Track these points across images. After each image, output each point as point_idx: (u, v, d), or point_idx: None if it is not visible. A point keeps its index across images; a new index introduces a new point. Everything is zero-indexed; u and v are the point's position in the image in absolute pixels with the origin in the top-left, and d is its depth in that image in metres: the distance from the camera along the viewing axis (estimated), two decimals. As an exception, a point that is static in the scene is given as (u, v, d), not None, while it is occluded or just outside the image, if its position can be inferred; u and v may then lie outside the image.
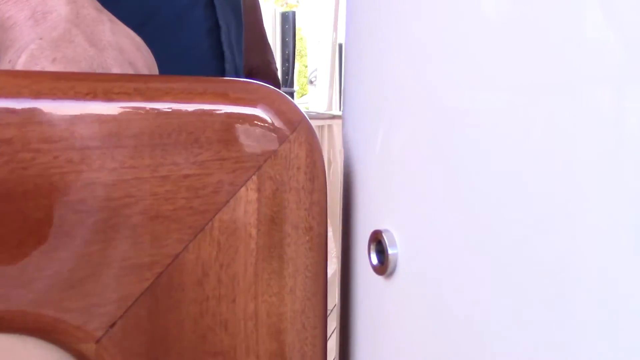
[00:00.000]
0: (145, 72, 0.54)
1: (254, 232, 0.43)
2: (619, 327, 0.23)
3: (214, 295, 0.42)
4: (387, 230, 0.41)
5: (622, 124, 0.22)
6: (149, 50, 0.56)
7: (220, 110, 0.42)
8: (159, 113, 0.40)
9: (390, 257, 0.39)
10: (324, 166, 0.45)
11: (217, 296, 0.42)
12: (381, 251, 0.41)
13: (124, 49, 0.52)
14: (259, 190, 0.43)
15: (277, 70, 1.28)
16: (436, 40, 0.34)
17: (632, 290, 0.22)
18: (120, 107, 0.39)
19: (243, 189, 0.43)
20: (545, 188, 0.26)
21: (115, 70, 0.52)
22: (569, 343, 0.25)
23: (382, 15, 0.39)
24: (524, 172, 0.27)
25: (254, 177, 0.43)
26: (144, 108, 0.40)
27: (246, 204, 0.43)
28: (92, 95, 0.39)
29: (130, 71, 0.53)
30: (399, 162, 0.40)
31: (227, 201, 0.42)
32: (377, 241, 0.42)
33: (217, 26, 0.84)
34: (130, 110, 0.40)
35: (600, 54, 0.23)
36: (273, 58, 1.26)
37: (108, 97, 0.39)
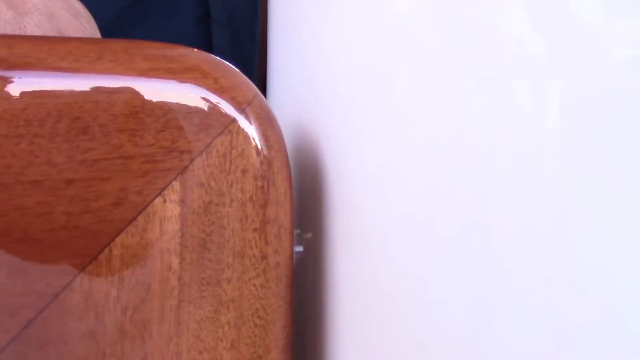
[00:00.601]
0: None
1: (175, 262, 0.30)
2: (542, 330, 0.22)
3: (113, 352, 0.29)
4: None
5: (542, 119, 0.21)
6: (93, 22, 0.45)
7: (124, 85, 0.29)
8: (26, 90, 0.27)
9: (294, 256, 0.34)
10: (287, 169, 0.31)
11: (117, 354, 0.29)
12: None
13: (54, 15, 0.42)
14: (183, 202, 0.30)
15: None
16: (349, 35, 0.31)
17: (550, 291, 0.21)
18: (-37, 81, 0.27)
19: (158, 200, 0.29)
20: (462, 187, 0.25)
21: None
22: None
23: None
24: (438, 169, 0.26)
25: (176, 184, 0.29)
26: (2, 82, 0.27)
27: (163, 222, 0.29)
28: None
29: None
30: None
31: (134, 218, 0.29)
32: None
33: (209, 16, 0.80)
34: (-19, 84, 0.27)
35: (520, 47, 0.22)
36: None
37: (-54, 65, 0.27)
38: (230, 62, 0.31)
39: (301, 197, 0.38)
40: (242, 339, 0.31)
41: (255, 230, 0.31)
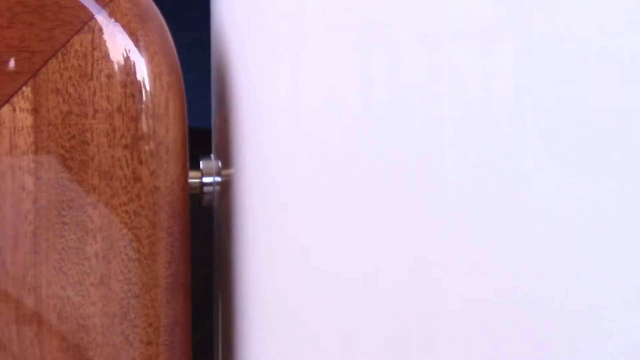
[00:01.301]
0: None
1: (29, 182, 0.26)
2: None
3: (-41, 282, 0.26)
4: (207, 158, 0.32)
5: (488, 82, 0.21)
6: None
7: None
8: None
9: (204, 188, 0.31)
10: (172, 77, 0.26)
11: (-36, 285, 0.26)
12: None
13: None
14: (36, 111, 0.25)
15: None
16: None
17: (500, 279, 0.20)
18: None
19: (6, 108, 0.25)
20: (401, 160, 0.22)
21: None
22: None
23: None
24: (372, 133, 0.23)
25: (26, 90, 0.25)
26: None
27: (13, 135, 0.25)
28: None
29: None
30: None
31: (-22, 129, 0.25)
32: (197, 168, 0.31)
33: None
34: None
35: (465, 9, 0.21)
36: None
37: None
38: None
39: (222, 124, 0.33)
40: (113, 274, 0.26)
41: (125, 147, 0.26)
